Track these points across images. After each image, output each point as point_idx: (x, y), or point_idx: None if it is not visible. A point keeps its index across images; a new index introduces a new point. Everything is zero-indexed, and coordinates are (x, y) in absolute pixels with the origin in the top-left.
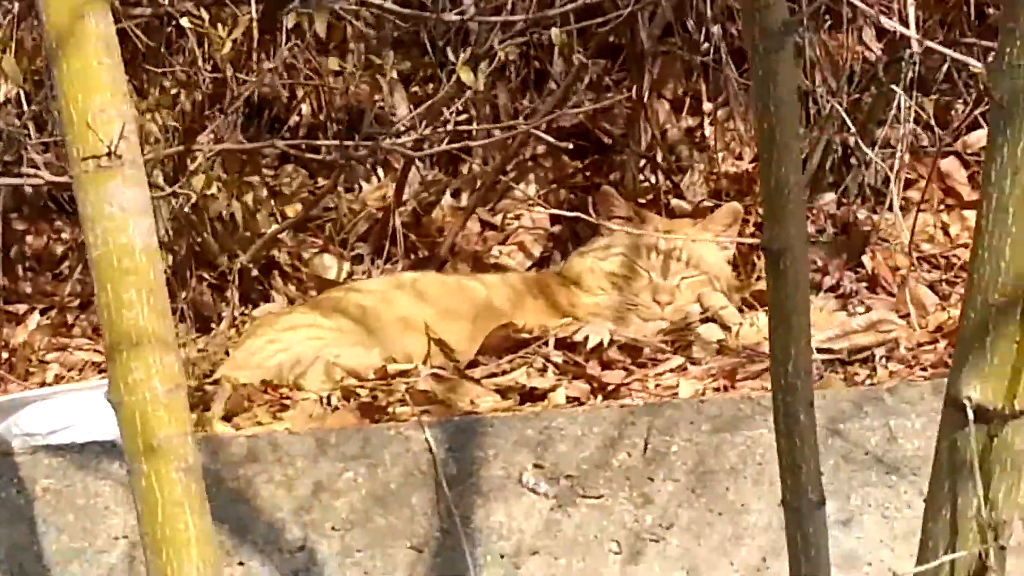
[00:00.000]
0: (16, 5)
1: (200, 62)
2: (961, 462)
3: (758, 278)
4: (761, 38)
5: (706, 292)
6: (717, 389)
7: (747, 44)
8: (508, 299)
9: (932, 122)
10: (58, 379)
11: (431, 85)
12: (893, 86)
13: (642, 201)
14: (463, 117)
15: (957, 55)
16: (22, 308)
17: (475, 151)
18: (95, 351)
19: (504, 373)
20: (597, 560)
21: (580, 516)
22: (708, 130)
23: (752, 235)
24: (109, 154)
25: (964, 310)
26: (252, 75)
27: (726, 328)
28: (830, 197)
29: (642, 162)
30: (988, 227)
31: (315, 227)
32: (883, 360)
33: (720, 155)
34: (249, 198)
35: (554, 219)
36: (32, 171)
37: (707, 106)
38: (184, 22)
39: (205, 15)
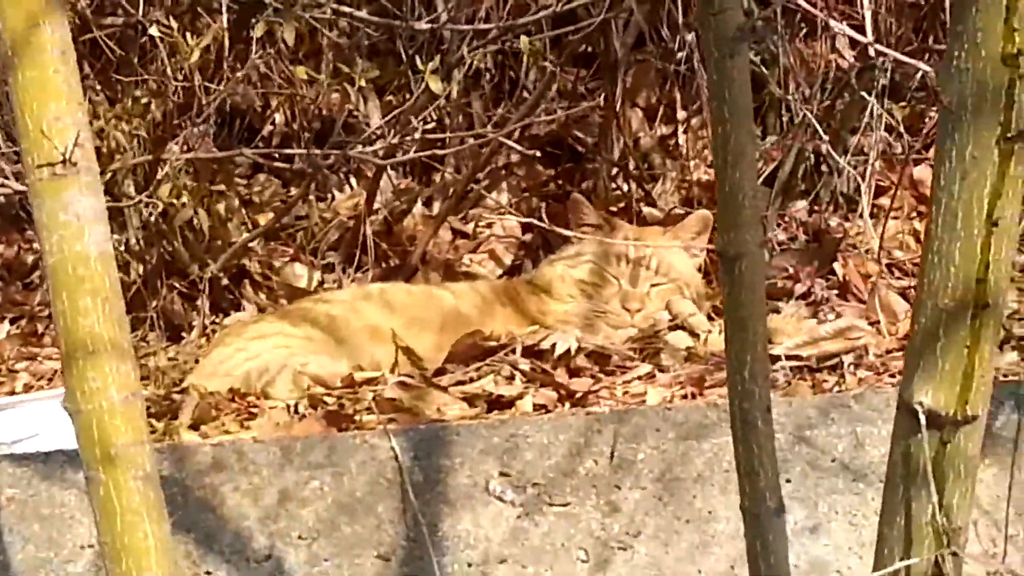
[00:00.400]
0: None
1: (170, 71)
2: (915, 468)
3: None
4: (716, 44)
5: (675, 299)
6: (685, 396)
7: (704, 49)
8: (476, 307)
9: (903, 130)
10: (27, 388)
11: (405, 94)
12: (865, 94)
13: (614, 209)
14: (434, 125)
15: (914, 62)
16: None
17: (447, 159)
18: None
19: (471, 381)
20: (565, 568)
21: (547, 524)
22: (682, 138)
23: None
24: (64, 162)
25: (915, 316)
26: (223, 84)
27: (695, 335)
28: (802, 204)
29: (614, 170)
30: (937, 232)
31: (286, 236)
32: (852, 367)
33: (692, 163)
34: (221, 207)
35: (525, 227)
36: (1, 180)
37: (681, 114)
38: (153, 31)
39: (176, 24)
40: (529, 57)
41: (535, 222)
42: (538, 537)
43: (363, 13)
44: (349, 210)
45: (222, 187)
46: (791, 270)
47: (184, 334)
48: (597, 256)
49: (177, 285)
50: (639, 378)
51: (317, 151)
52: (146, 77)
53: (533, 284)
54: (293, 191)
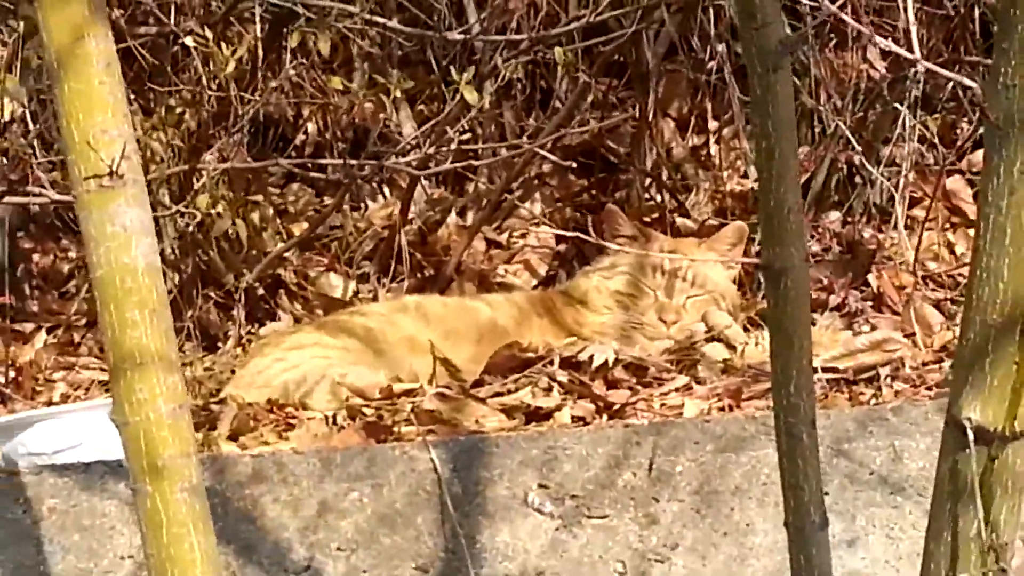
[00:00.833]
0: (21, 24)
1: (205, 81)
2: (962, 484)
3: (763, 296)
4: (759, 58)
5: (711, 311)
6: (722, 409)
7: (747, 64)
8: (513, 318)
9: (937, 141)
10: (64, 398)
11: (437, 104)
12: (898, 105)
13: (647, 220)
14: (468, 136)
15: (954, 75)
16: (29, 327)
17: (481, 170)
18: (101, 370)
19: (509, 392)
20: None
21: (585, 536)
22: (713, 148)
23: (757, 254)
24: (111, 174)
25: (963, 331)
26: (257, 94)
27: (731, 347)
28: (835, 216)
29: (647, 181)
30: (986, 248)
31: (321, 246)
32: (888, 379)
33: (725, 173)
34: (255, 217)
35: (559, 238)
36: (38, 190)
37: (712, 124)
38: (188, 41)
39: (210, 34)
40: (562, 68)
41: (576, 234)
42: (576, 549)
43: (395, 23)
44: (383, 220)
45: (258, 197)
46: (825, 282)
47: (220, 344)
48: (633, 267)
49: (213, 295)
50: (676, 390)
51: (353, 161)
52: (180, 87)
53: (568, 295)
54: (326, 201)
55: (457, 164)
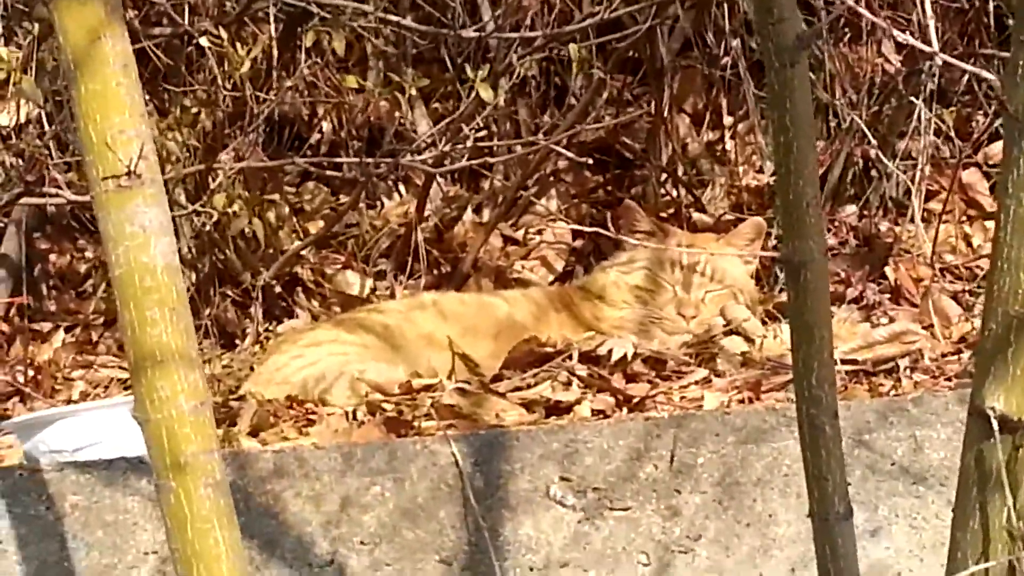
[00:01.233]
0: (36, 26)
1: (220, 81)
2: (988, 472)
3: (780, 290)
4: (776, 53)
5: (729, 305)
6: (742, 401)
7: (764, 59)
8: (531, 313)
9: (952, 134)
10: (84, 396)
11: (452, 101)
12: (913, 98)
13: (664, 215)
14: (484, 133)
15: (972, 68)
16: (47, 326)
17: (496, 167)
18: (120, 368)
19: (529, 387)
20: (626, 572)
21: (608, 528)
22: (729, 144)
23: (775, 248)
24: (129, 174)
25: (984, 322)
26: (272, 93)
27: (750, 340)
28: (852, 209)
29: (663, 176)
30: (1006, 239)
31: (337, 243)
32: (907, 371)
33: (741, 168)
34: (271, 215)
35: (576, 234)
36: (55, 191)
37: (727, 120)
38: (203, 41)
39: (224, 34)
40: (577, 64)
41: (593, 230)
42: (599, 541)
43: (409, 21)
44: (399, 217)
45: (274, 196)
46: (842, 274)
47: (238, 342)
48: (651, 262)
49: (230, 293)
50: (696, 383)
51: (368, 159)
52: (195, 87)
53: (586, 290)
54: (343, 199)
55: (473, 161)
